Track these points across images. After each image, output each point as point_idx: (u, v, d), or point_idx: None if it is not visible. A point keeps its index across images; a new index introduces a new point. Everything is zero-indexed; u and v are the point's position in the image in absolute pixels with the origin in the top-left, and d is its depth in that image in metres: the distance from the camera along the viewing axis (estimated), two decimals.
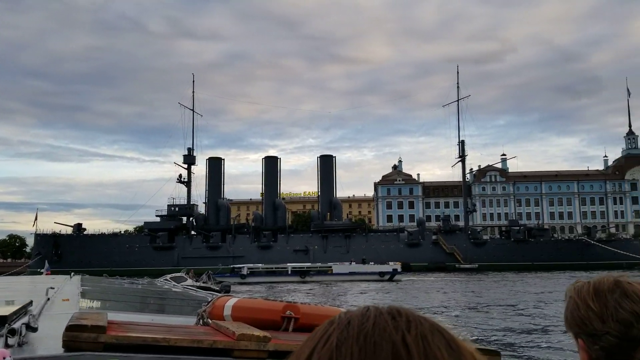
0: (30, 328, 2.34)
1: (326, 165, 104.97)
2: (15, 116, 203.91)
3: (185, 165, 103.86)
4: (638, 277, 1.51)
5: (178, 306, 5.94)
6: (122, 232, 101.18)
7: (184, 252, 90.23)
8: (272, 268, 62.28)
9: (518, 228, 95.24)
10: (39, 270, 45.99)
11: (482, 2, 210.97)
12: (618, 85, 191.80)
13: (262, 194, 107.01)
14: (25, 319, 2.46)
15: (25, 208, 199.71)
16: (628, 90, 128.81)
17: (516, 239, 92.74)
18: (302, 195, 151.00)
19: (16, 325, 2.33)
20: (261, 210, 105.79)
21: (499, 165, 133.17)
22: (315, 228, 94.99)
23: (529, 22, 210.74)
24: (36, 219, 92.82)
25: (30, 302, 3.42)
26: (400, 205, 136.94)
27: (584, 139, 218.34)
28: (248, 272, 59.36)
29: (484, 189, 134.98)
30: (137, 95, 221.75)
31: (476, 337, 16.61)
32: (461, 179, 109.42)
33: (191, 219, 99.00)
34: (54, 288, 5.09)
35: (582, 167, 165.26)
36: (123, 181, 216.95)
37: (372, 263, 65.70)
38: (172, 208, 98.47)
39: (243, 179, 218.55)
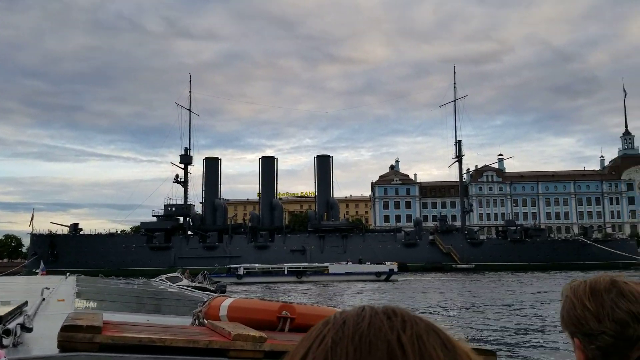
0: (25, 328, 2.33)
1: (323, 165, 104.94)
2: (12, 116, 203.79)
3: (182, 165, 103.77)
4: (634, 277, 1.51)
5: (174, 306, 5.93)
6: (119, 232, 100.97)
7: (180, 252, 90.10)
8: (269, 268, 62.19)
9: (515, 228, 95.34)
10: (34, 270, 45.90)
11: (479, 2, 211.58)
12: (615, 86, 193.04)
13: (259, 194, 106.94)
14: (20, 319, 2.45)
15: (22, 208, 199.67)
16: (624, 90, 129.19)
17: (513, 239, 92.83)
18: (299, 195, 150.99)
19: (11, 325, 2.33)
20: (258, 210, 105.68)
21: (496, 166, 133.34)
22: (312, 228, 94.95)
23: (526, 22, 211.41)
24: (32, 219, 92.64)
25: (26, 303, 3.41)
26: (397, 205, 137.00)
27: (581, 139, 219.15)
28: (244, 272, 59.27)
29: (480, 189, 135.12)
30: (134, 95, 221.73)
31: (472, 337, 16.63)
32: (458, 179, 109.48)
33: (188, 219, 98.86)
34: (49, 288, 5.07)
35: (578, 167, 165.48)
36: (120, 181, 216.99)
37: (369, 263, 65.71)
38: (169, 208, 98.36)
39: (240, 179, 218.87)
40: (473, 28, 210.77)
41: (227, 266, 64.76)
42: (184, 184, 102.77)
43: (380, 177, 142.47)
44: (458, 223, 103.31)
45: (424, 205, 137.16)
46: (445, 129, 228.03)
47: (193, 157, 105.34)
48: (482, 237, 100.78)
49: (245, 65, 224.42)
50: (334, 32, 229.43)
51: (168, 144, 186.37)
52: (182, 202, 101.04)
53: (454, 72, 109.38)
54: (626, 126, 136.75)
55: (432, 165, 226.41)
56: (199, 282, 32.05)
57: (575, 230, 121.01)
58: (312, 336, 0.68)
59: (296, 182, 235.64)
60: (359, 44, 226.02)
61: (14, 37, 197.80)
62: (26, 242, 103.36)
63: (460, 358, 0.66)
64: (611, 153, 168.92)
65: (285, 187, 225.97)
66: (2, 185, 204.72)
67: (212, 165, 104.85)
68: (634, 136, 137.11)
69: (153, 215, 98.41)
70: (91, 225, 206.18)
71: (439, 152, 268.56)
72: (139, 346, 2.21)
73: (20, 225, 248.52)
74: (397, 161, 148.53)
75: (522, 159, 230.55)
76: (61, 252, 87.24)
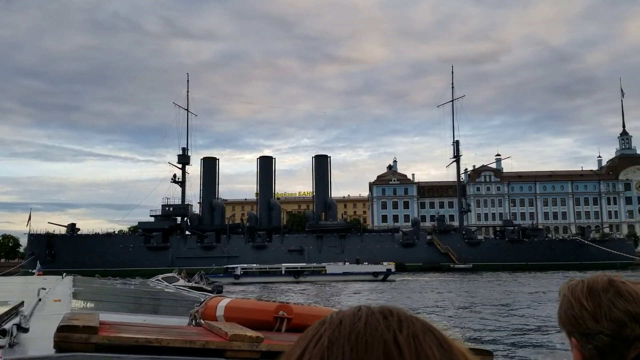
0: (22, 329, 2.32)
1: (321, 165, 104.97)
2: (10, 116, 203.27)
3: (180, 165, 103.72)
4: (632, 277, 1.51)
5: (171, 307, 5.92)
6: (116, 232, 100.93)
7: (178, 252, 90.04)
8: (266, 268, 62.18)
9: (512, 228, 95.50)
10: (30, 270, 45.81)
11: (477, 2, 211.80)
12: (612, 86, 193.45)
13: (257, 194, 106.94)
14: (16, 320, 2.44)
15: (20, 208, 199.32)
16: (622, 90, 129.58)
17: (510, 239, 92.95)
18: (297, 195, 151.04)
19: (7, 325, 2.32)
20: (256, 210, 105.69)
21: (494, 166, 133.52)
22: (310, 228, 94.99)
23: (524, 22, 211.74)
24: (29, 218, 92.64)
25: (22, 303, 3.40)
26: (395, 205, 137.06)
27: (579, 139, 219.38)
28: (242, 272, 59.24)
29: (478, 189, 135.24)
30: (132, 95, 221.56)
31: (469, 337, 16.64)
32: (456, 179, 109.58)
33: (185, 219, 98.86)
34: (45, 289, 5.06)
35: (576, 167, 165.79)
36: (117, 181, 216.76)
37: (366, 263, 65.71)
38: (167, 208, 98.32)
39: (238, 179, 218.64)
40: (471, 28, 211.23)
41: (225, 266, 64.68)
42: (182, 184, 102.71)
43: (378, 177, 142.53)
44: (456, 223, 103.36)
45: (422, 205, 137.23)
46: (443, 129, 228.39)
47: (191, 157, 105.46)
48: (479, 237, 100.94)
49: (243, 65, 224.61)
50: (332, 32, 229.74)
51: (166, 144, 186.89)
52: (180, 202, 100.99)
53: (452, 72, 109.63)
54: (624, 126, 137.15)
55: (430, 165, 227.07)
56: (195, 282, 32.07)
57: (573, 230, 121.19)
58: (308, 336, 0.68)
59: (294, 182, 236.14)
60: (358, 44, 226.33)
61: (12, 36, 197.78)
62: (23, 242, 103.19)
63: (457, 358, 0.66)
64: (609, 153, 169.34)
65: (283, 187, 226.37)
66: None
67: (209, 165, 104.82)
68: (631, 136, 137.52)
69: (151, 215, 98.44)
70: (89, 225, 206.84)
71: (437, 152, 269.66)
72: (135, 346, 2.20)
73: (17, 225, 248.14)
74: (395, 161, 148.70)
75: (519, 159, 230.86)
76: (58, 252, 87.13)
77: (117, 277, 12.28)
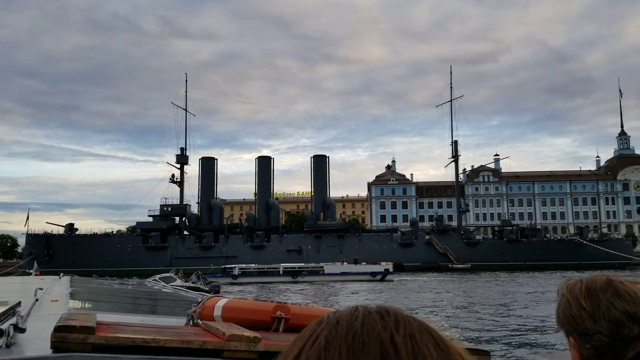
0: (18, 329, 2.32)
1: (320, 165, 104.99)
2: (8, 115, 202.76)
3: (178, 165, 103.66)
4: (630, 277, 1.52)
5: (168, 307, 5.92)
6: (115, 232, 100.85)
7: (176, 252, 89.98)
8: (264, 268, 62.15)
9: (511, 228, 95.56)
10: (27, 271, 45.75)
11: (475, 2, 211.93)
12: (611, 86, 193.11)
13: (255, 194, 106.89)
14: (13, 320, 2.44)
15: (18, 208, 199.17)
16: (620, 90, 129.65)
17: (509, 239, 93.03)
18: (295, 195, 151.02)
19: (4, 326, 2.31)
20: (254, 210, 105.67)
21: (492, 166, 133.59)
22: (309, 228, 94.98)
23: (523, 22, 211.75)
24: (28, 218, 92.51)
25: (19, 303, 3.39)
26: (393, 205, 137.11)
27: (577, 139, 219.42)
28: (239, 272, 59.21)
29: (477, 189, 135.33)
30: (131, 95, 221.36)
31: (467, 337, 16.64)
32: (454, 179, 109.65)
33: (184, 219, 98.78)
34: (42, 289, 5.06)
35: (574, 167, 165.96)
36: (116, 181, 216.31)
37: (364, 263, 65.75)
38: (165, 208, 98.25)
39: (236, 179, 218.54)
40: (470, 28, 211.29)
41: (223, 266, 64.64)
42: (180, 183, 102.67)
43: (376, 177, 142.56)
44: (454, 223, 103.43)
45: (421, 205, 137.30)
46: (441, 129, 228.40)
47: (189, 157, 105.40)
48: (478, 237, 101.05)
49: (242, 65, 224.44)
50: (331, 32, 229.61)
51: (164, 143, 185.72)
52: (178, 202, 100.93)
53: (451, 73, 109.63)
54: (622, 126, 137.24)
55: (428, 166, 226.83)
56: (192, 282, 32.00)
57: (571, 230, 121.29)
58: (305, 336, 0.68)
59: (293, 182, 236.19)
60: (356, 44, 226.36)
61: (10, 36, 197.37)
62: (22, 242, 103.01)
63: (453, 357, 0.66)
64: (607, 153, 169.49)
65: (282, 187, 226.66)
66: None
67: (208, 165, 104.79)
68: (629, 136, 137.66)
69: (149, 215, 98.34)
70: (87, 225, 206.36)
71: (436, 152, 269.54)
72: (132, 347, 2.20)
73: (15, 225, 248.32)
74: (393, 161, 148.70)
75: (518, 159, 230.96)
76: (57, 252, 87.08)
77: (115, 277, 12.29)
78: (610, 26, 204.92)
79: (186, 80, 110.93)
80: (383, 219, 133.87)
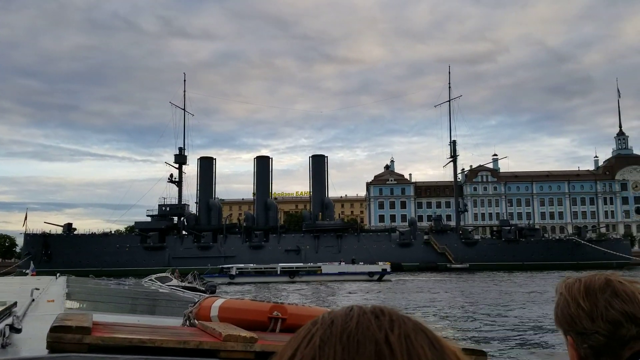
0: (14, 329, 2.32)
1: (318, 165, 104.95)
2: (7, 115, 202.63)
3: (177, 165, 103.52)
4: (628, 276, 1.51)
5: (165, 307, 5.91)
6: (113, 232, 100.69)
7: (174, 252, 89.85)
8: (261, 268, 62.06)
9: (509, 228, 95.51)
10: (24, 271, 45.62)
11: (474, 2, 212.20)
12: (609, 86, 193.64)
13: (254, 193, 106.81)
14: (9, 320, 2.44)
15: (17, 207, 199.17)
16: (618, 91, 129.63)
17: (507, 238, 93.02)
18: (294, 195, 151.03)
19: (0, 326, 2.31)
20: (253, 210, 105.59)
21: (491, 166, 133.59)
22: (307, 228, 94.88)
23: (521, 22, 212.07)
24: (26, 218, 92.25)
25: (15, 303, 3.39)
26: (392, 205, 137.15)
27: (575, 139, 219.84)
28: (237, 272, 59.11)
29: (475, 189, 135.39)
30: (129, 95, 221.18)
31: (464, 337, 16.65)
32: (453, 179, 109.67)
33: (182, 218, 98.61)
34: (39, 289, 5.05)
35: (573, 167, 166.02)
36: (114, 181, 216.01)
37: (362, 263, 65.69)
38: (163, 208, 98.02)
39: (235, 179, 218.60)
40: (468, 28, 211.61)
41: (220, 266, 64.51)
42: (179, 183, 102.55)
43: (375, 177, 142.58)
44: (453, 223, 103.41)
45: (419, 205, 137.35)
46: (440, 129, 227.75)
47: (188, 157, 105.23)
48: (476, 237, 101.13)
49: (241, 65, 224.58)
50: (330, 32, 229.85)
51: (163, 143, 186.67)
52: (177, 202, 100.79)
53: (449, 72, 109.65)
54: (620, 126, 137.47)
55: (427, 165, 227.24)
56: (188, 282, 31.90)
57: (570, 230, 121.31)
58: (300, 336, 0.68)
59: (291, 182, 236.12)
60: (355, 44, 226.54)
61: (9, 36, 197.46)
62: (20, 242, 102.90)
63: (448, 357, 0.66)
64: (605, 153, 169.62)
65: (281, 187, 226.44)
66: None
67: (206, 165, 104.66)
68: (628, 136, 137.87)
69: (147, 215, 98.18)
70: (86, 225, 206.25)
71: (434, 152, 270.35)
72: (129, 347, 2.20)
73: (14, 225, 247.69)
74: (392, 161, 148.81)
75: (516, 159, 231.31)
76: (55, 252, 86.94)
77: (112, 277, 12.28)
78: (609, 26, 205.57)
79: (185, 80, 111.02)
80: (382, 218, 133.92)
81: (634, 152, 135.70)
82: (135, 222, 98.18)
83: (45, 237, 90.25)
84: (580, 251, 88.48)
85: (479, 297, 33.57)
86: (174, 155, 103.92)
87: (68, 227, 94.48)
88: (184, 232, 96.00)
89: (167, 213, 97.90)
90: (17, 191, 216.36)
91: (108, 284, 8.51)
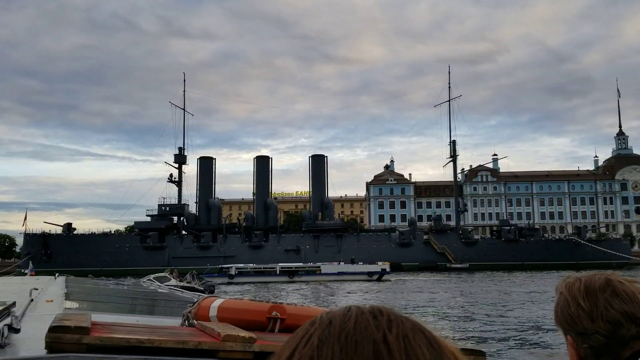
0: (13, 329, 2.32)
1: (318, 165, 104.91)
2: (6, 115, 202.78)
3: (177, 165, 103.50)
4: (628, 276, 1.51)
5: (164, 307, 5.91)
6: (113, 232, 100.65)
7: (174, 252, 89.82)
8: (261, 268, 62.01)
9: (509, 228, 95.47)
10: (22, 271, 45.58)
11: (474, 2, 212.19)
12: (609, 86, 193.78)
13: (253, 193, 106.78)
14: (7, 320, 2.44)
15: (16, 207, 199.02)
16: (618, 90, 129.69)
17: (507, 238, 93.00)
18: (294, 195, 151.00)
19: None
20: (253, 210, 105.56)
21: (490, 165, 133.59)
22: (307, 228, 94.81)
23: (521, 22, 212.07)
24: (25, 218, 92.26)
25: (14, 303, 3.39)
26: (392, 205, 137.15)
27: (575, 139, 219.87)
28: (236, 272, 59.07)
29: (475, 188, 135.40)
30: (129, 95, 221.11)
31: (463, 337, 16.64)
32: (452, 179, 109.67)
33: (182, 218, 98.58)
34: (37, 289, 5.05)
35: (572, 167, 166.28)
36: (114, 180, 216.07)
37: (361, 263, 65.68)
38: (163, 208, 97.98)
39: (235, 179, 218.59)
40: (468, 28, 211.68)
41: (219, 266, 64.45)
42: (178, 183, 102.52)
43: (375, 176, 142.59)
44: (452, 223, 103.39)
45: (419, 205, 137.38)
46: (440, 129, 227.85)
47: (188, 157, 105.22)
48: (476, 236, 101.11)
49: (240, 65, 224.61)
50: (330, 32, 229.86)
51: (163, 143, 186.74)
52: (176, 202, 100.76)
53: (449, 72, 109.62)
54: (620, 126, 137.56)
55: (427, 165, 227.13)
56: (187, 282, 31.88)
57: (569, 230, 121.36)
58: (298, 336, 0.68)
59: (291, 181, 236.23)
60: (355, 44, 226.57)
61: (9, 35, 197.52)
62: (20, 241, 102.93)
63: (447, 357, 0.66)
64: (605, 153, 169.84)
65: (281, 186, 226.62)
66: None
67: (206, 165, 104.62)
68: (627, 136, 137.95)
69: (147, 215, 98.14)
70: (85, 224, 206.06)
71: (434, 152, 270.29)
72: (127, 347, 2.20)
73: (14, 225, 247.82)
74: (392, 161, 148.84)
75: (516, 159, 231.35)
76: (54, 251, 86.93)
77: (111, 277, 12.27)
78: (609, 26, 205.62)
79: (184, 80, 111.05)
80: (381, 218, 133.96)
81: (634, 152, 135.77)
82: (135, 222, 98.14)
83: (45, 237, 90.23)
84: (580, 251, 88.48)
85: (479, 297, 33.56)
86: (174, 155, 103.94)
87: (68, 227, 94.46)
88: (183, 232, 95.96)
89: (167, 213, 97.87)
90: (16, 191, 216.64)
91: (107, 284, 8.50)
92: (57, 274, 8.88)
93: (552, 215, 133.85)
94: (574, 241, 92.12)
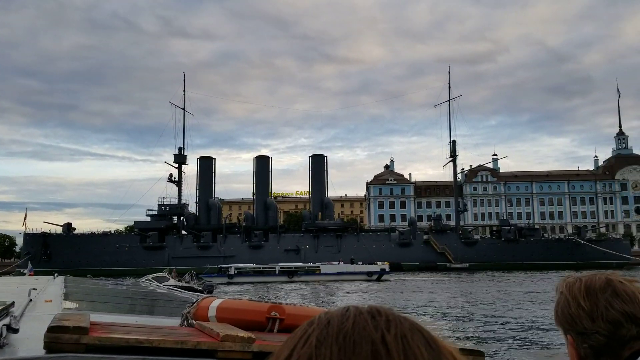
0: (11, 329, 2.31)
1: (318, 164, 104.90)
2: (6, 115, 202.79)
3: (176, 165, 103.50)
4: (628, 276, 1.51)
5: (162, 307, 5.91)
6: (113, 232, 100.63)
7: (174, 252, 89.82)
8: (260, 268, 61.98)
9: (509, 228, 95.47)
10: (21, 271, 45.63)
11: (474, 2, 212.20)
12: (609, 86, 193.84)
13: (253, 193, 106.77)
14: (6, 320, 2.43)
15: (16, 207, 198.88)
16: (618, 90, 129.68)
17: (507, 238, 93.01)
18: (294, 195, 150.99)
19: None
20: (252, 210, 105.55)
21: (490, 165, 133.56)
22: (307, 228, 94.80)
23: (521, 22, 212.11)
24: (25, 218, 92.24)
25: (12, 303, 3.39)
26: (391, 205, 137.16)
27: (575, 139, 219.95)
28: (235, 272, 59.04)
29: (475, 188, 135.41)
30: (129, 95, 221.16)
31: (462, 337, 16.64)
32: (452, 179, 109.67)
33: (182, 218, 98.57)
34: (36, 289, 5.05)
35: (572, 167, 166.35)
36: (114, 180, 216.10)
37: (361, 263, 65.65)
38: (163, 207, 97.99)
39: (235, 179, 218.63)
40: (468, 28, 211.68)
41: (219, 266, 64.42)
42: (178, 183, 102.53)
43: (375, 176, 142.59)
44: (452, 223, 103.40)
45: (419, 205, 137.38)
46: (440, 129, 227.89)
47: (187, 157, 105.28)
48: (476, 236, 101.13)
49: (240, 65, 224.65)
50: (330, 32, 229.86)
51: (163, 143, 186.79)
52: (176, 202, 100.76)
53: (449, 72, 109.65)
54: (620, 126, 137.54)
55: (426, 165, 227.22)
56: (186, 282, 31.90)
57: (569, 230, 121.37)
58: (296, 336, 0.68)
59: (291, 181, 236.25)
60: (355, 44, 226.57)
61: (8, 35, 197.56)
62: (19, 241, 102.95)
63: (445, 357, 0.66)
64: (605, 153, 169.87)
65: (281, 186, 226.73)
66: None
67: (206, 165, 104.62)
68: (627, 136, 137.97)
69: (147, 215, 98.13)
70: (85, 224, 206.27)
71: (434, 152, 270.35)
72: (126, 347, 2.19)
73: (14, 225, 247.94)
74: (392, 161, 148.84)
75: (516, 158, 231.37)
76: (54, 251, 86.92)
77: (111, 277, 12.28)
78: (609, 26, 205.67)
79: (184, 80, 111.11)
80: (381, 218, 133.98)
81: (634, 152, 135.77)
82: (135, 222, 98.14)
83: (44, 236, 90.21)
84: (580, 251, 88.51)
85: (478, 297, 33.55)
86: (174, 155, 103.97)
87: (67, 226, 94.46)
88: (183, 232, 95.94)
89: (167, 213, 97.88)
90: (16, 191, 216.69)
91: (106, 284, 8.50)
92: (56, 274, 8.88)
93: (552, 215, 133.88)
94: (574, 241, 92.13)
